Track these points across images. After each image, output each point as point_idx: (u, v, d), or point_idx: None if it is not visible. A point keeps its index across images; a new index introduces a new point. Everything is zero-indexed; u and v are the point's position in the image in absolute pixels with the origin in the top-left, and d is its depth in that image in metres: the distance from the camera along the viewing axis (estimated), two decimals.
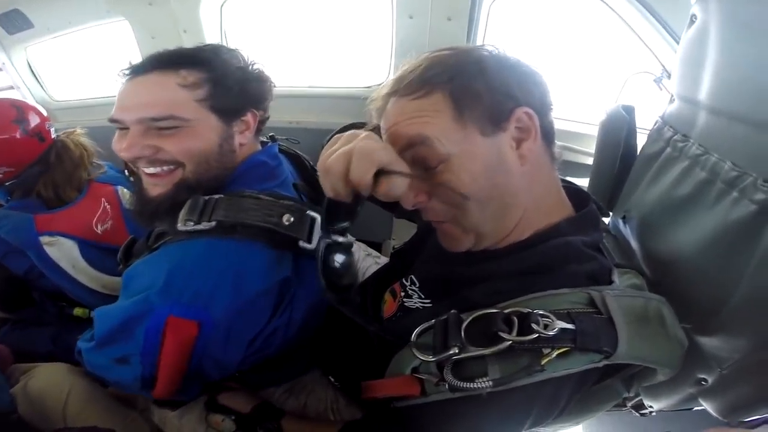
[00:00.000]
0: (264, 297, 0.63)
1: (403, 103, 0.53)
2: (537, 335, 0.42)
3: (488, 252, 0.56)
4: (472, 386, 0.43)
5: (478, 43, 1.21)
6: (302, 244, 0.63)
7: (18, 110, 1.06)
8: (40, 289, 1.15)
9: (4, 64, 2.07)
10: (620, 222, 0.81)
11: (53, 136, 1.11)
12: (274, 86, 0.77)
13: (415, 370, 0.50)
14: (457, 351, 0.45)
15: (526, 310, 0.44)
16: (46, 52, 2.07)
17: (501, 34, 1.21)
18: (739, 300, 0.52)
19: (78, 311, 1.16)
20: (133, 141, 0.63)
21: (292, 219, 0.63)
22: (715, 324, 0.56)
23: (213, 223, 0.60)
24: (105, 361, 0.64)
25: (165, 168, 0.66)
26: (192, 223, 0.60)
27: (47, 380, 0.96)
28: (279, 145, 0.84)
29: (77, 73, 2.21)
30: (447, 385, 0.45)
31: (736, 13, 0.58)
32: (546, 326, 0.42)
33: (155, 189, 0.67)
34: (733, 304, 0.53)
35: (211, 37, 1.56)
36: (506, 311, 0.45)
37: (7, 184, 1.08)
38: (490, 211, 0.52)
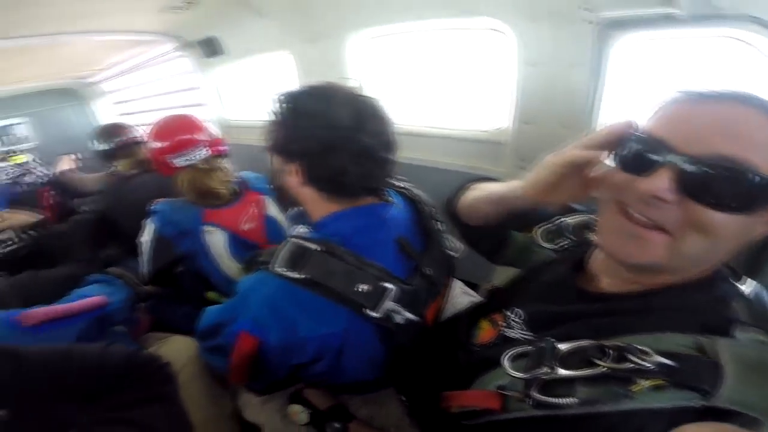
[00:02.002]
0: (310, 342, 0.72)
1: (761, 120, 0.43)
2: (632, 365, 0.42)
3: (609, 294, 0.56)
4: (556, 402, 0.44)
5: (603, 91, 1.16)
6: (366, 311, 0.70)
7: (153, 134, 1.34)
8: (189, 270, 1.36)
9: (200, 85, 2.62)
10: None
11: (178, 165, 1.31)
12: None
13: (500, 387, 0.52)
14: (548, 371, 0.46)
15: (624, 344, 0.44)
16: (226, 76, 2.56)
17: (627, 80, 1.14)
18: None
19: (210, 295, 1.37)
20: None
21: (365, 288, 0.70)
22: None
23: (302, 277, 0.70)
24: (205, 347, 0.84)
25: None
26: (285, 269, 0.70)
27: (172, 351, 1.14)
28: (401, 190, 0.91)
29: (245, 96, 2.67)
30: (531, 401, 0.46)
31: None
32: (643, 359, 0.42)
33: None
34: None
35: (354, 75, 1.78)
36: (605, 344, 0.45)
37: None
38: (692, 261, 0.49)
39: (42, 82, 3.29)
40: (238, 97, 2.68)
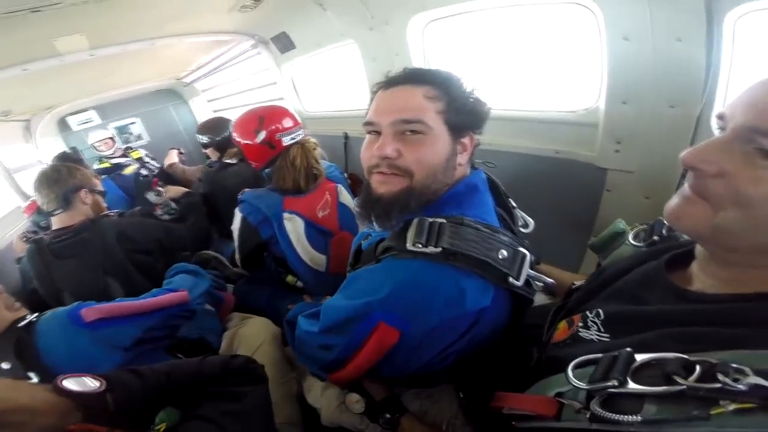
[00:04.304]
0: (460, 320, 0.67)
1: None
2: (720, 385, 0.37)
3: (700, 294, 0.51)
4: (615, 418, 0.40)
5: (720, 66, 0.99)
6: (511, 280, 0.66)
7: (259, 121, 1.36)
8: (271, 254, 1.45)
9: (277, 80, 2.78)
10: None
11: (285, 144, 1.37)
12: (490, 110, 0.78)
13: (559, 395, 0.49)
14: (616, 384, 0.42)
15: (715, 361, 0.39)
16: (299, 69, 2.67)
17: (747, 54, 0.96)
18: None
19: (289, 279, 1.47)
20: (385, 141, 0.71)
21: (506, 254, 0.65)
22: None
23: (439, 249, 0.64)
24: (314, 344, 0.77)
25: (398, 173, 0.72)
26: (420, 245, 0.65)
27: (251, 330, 1.22)
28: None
29: (315, 89, 2.80)
30: (588, 414, 0.43)
31: None
32: (736, 379, 0.37)
33: (382, 187, 0.73)
34: None
35: (416, 59, 1.76)
36: (692, 359, 0.40)
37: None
38: (733, 233, 0.45)
39: (148, 83, 3.80)
40: (312, 89, 2.80)
